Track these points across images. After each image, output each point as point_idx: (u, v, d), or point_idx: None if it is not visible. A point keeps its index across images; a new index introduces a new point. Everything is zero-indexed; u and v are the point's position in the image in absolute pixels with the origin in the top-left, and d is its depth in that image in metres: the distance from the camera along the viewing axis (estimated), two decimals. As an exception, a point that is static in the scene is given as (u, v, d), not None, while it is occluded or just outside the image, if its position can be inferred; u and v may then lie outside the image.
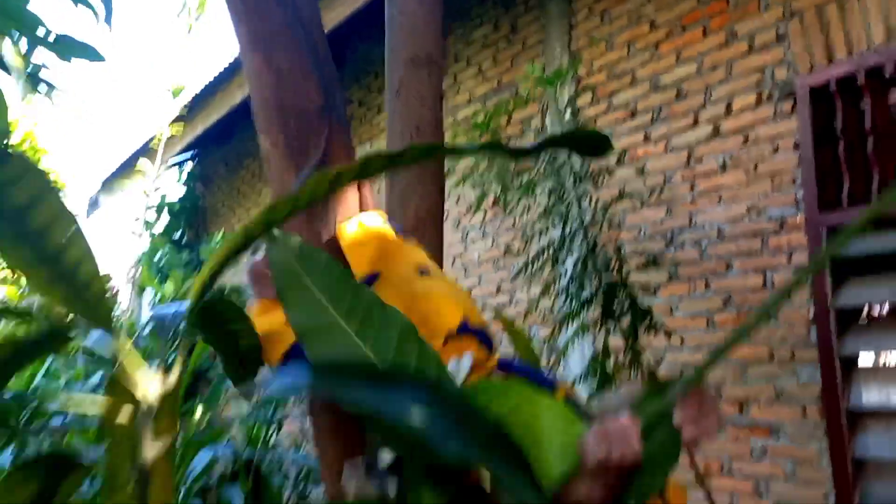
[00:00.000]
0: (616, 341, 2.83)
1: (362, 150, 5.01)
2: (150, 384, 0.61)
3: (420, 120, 1.43)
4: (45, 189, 0.58)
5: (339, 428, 0.90)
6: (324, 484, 0.92)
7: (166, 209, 7.25)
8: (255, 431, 2.87)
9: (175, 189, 7.79)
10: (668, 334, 2.73)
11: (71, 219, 0.60)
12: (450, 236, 4.47)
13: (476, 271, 4.23)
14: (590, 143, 0.66)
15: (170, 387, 0.62)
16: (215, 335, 0.69)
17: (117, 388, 0.62)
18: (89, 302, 0.60)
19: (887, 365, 2.78)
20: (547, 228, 2.88)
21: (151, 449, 0.60)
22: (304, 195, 0.64)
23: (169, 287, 3.87)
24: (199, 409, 2.11)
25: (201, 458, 1.98)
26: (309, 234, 0.89)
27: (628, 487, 0.76)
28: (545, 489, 0.70)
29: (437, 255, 1.46)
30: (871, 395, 2.58)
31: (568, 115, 3.59)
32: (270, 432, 2.98)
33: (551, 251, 2.77)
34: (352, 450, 0.87)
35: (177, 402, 0.63)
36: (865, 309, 2.78)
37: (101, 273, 0.62)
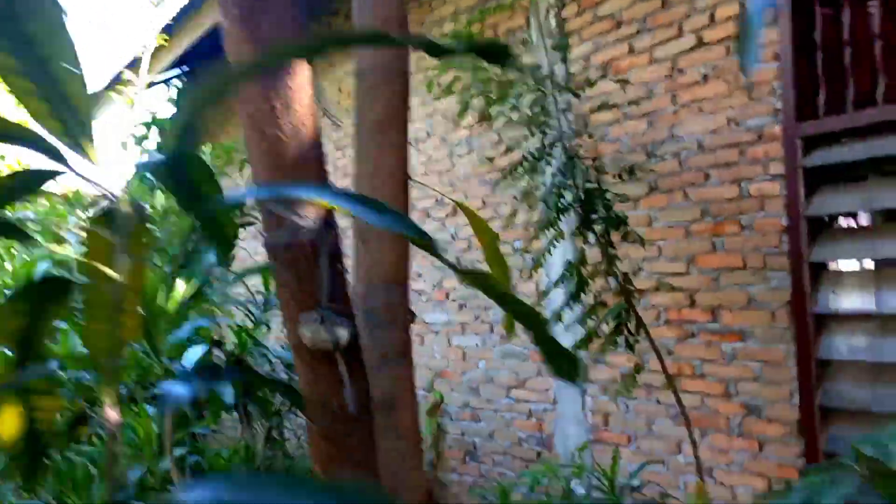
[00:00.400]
0: (594, 250, 2.90)
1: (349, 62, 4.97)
2: (127, 216, 0.68)
3: (387, 13, 1.45)
4: (57, 24, 0.62)
5: (299, 283, 0.99)
6: (286, 330, 1.01)
7: (155, 127, 7.23)
8: (243, 333, 2.98)
9: (165, 107, 7.74)
10: (643, 242, 2.80)
11: (74, 53, 0.64)
12: (436, 152, 4.50)
13: (462, 186, 4.27)
14: (494, 51, 0.72)
15: (142, 216, 0.68)
16: (185, 195, 0.74)
17: (98, 219, 0.70)
18: (78, 132, 0.66)
19: (854, 270, 2.87)
20: (527, 138, 2.91)
21: (125, 266, 0.67)
22: (262, 61, 0.68)
23: (159, 198, 3.92)
24: (180, 284, 2.19)
25: (191, 355, 2.08)
26: (265, 106, 0.95)
27: None
28: None
29: (400, 156, 1.51)
30: (837, 300, 2.68)
31: (553, 26, 3.56)
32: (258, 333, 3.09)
33: (531, 161, 2.81)
34: (309, 302, 0.96)
35: (149, 234, 0.70)
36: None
37: (91, 107, 0.67)
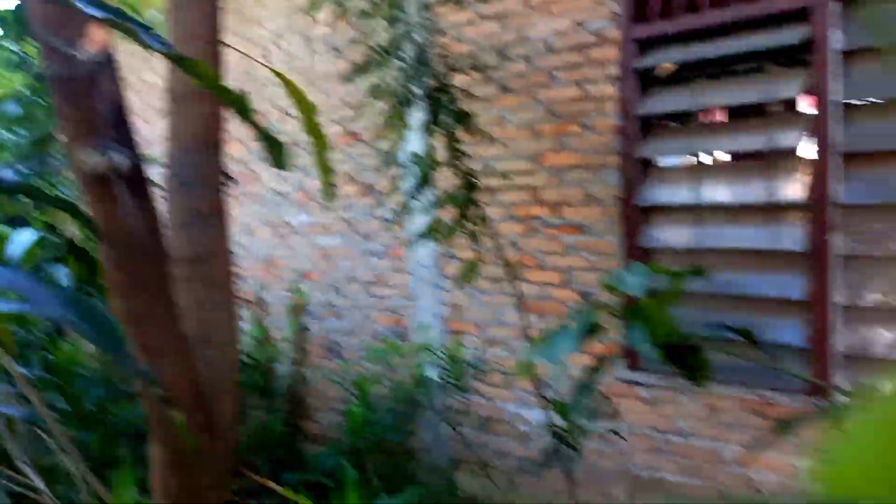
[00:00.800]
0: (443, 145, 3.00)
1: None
2: None
3: None
4: None
5: (78, 114, 1.01)
6: (69, 160, 1.05)
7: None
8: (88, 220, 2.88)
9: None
10: (486, 137, 2.92)
11: None
12: (298, 49, 4.42)
13: (323, 85, 4.24)
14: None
15: None
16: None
17: None
18: None
19: (677, 166, 3.11)
20: (380, 33, 2.93)
21: None
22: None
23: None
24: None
25: (18, 240, 2.02)
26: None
27: None
28: None
29: (213, 23, 1.49)
30: (660, 193, 2.92)
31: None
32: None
33: (380, 55, 2.84)
34: (89, 133, 1.00)
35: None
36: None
37: None
